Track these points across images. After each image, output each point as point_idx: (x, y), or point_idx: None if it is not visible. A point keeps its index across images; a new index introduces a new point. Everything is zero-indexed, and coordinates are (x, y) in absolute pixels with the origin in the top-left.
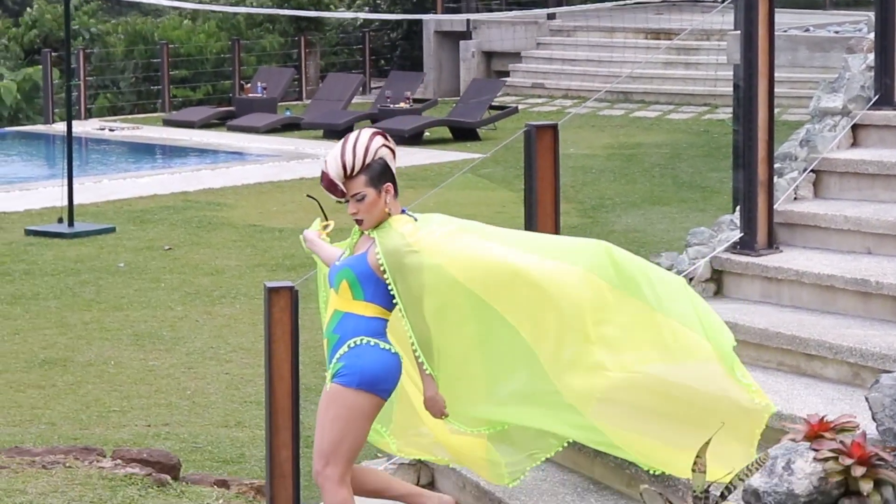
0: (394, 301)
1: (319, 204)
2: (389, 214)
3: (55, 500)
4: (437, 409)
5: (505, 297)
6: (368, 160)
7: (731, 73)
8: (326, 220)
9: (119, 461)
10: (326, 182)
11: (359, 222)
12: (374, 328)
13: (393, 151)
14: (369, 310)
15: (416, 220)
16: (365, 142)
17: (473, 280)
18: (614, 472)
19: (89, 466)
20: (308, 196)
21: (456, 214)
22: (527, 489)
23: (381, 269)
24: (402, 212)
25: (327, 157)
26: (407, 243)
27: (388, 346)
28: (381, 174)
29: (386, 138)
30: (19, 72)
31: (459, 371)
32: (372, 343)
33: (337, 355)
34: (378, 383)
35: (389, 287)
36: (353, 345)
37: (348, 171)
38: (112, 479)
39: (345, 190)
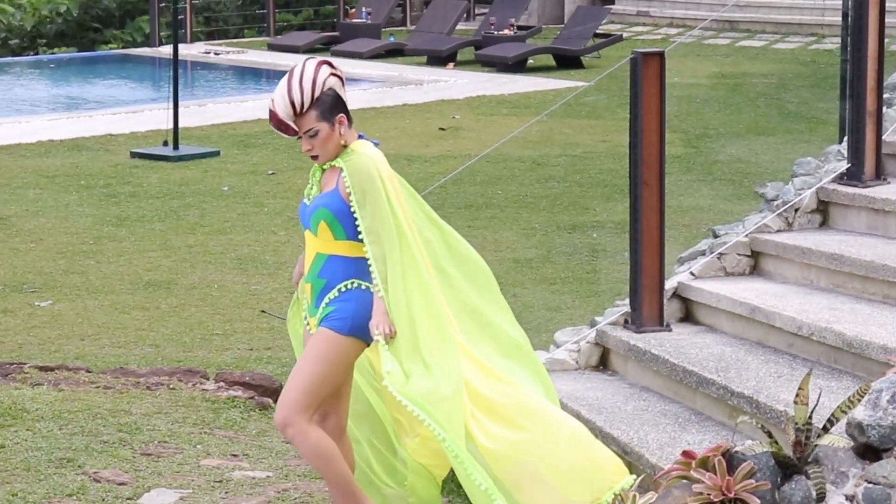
0: (357, 227)
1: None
2: (346, 146)
3: (159, 421)
4: (385, 323)
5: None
6: (317, 94)
7: (840, 1)
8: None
9: (222, 384)
10: (276, 122)
11: (315, 158)
12: (361, 269)
13: (341, 79)
14: (354, 249)
15: (376, 144)
16: (311, 75)
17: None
18: (716, 404)
19: (192, 388)
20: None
21: (559, 143)
22: (628, 419)
23: (347, 191)
24: (360, 137)
25: (273, 95)
26: (376, 166)
27: (368, 285)
28: (332, 106)
29: (332, 66)
30: None
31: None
32: (363, 287)
33: (326, 299)
34: (365, 328)
35: (352, 210)
36: (343, 289)
37: (297, 109)
38: (215, 401)
39: (296, 128)
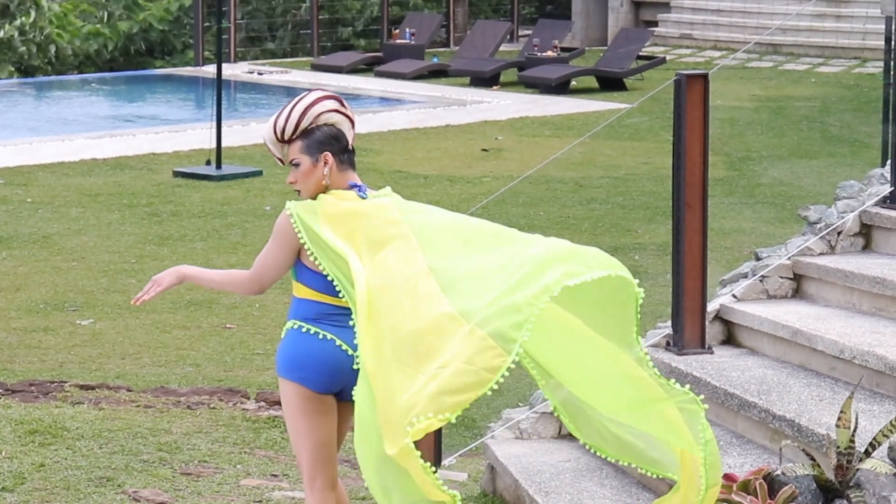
0: (321, 269)
1: None
2: (327, 187)
3: (199, 440)
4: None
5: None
6: (306, 125)
7: (883, 26)
8: None
9: (262, 403)
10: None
11: (298, 192)
12: (303, 311)
13: (350, 119)
14: (301, 291)
15: (363, 197)
16: (304, 106)
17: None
18: (757, 427)
19: (233, 408)
20: None
21: (601, 165)
22: None
23: (297, 232)
24: (351, 187)
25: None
26: (286, 214)
27: (315, 330)
28: (321, 142)
29: (341, 104)
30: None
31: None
32: (296, 326)
33: None
34: (294, 369)
35: (308, 251)
36: (284, 331)
37: (279, 136)
38: (255, 421)
39: (281, 156)
